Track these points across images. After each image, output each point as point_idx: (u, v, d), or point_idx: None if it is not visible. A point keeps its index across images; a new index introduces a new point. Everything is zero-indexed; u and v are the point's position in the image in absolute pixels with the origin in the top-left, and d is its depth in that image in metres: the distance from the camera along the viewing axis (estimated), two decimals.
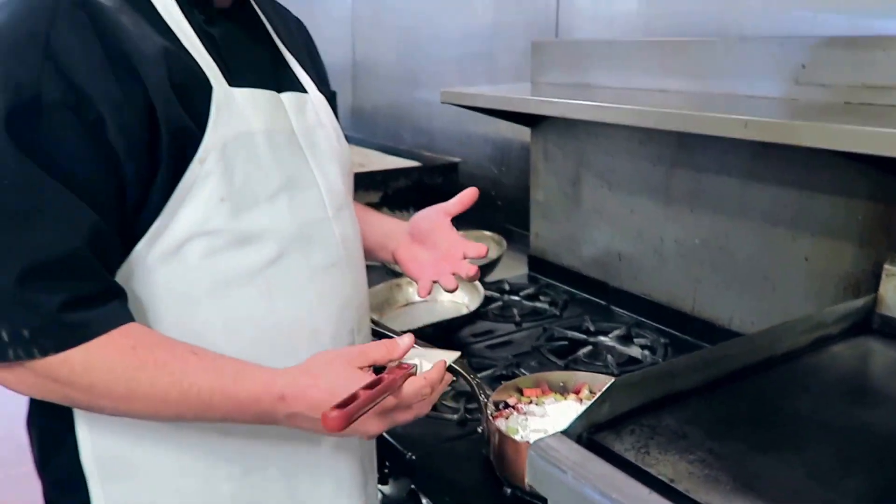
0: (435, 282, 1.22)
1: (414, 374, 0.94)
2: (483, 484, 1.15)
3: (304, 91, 1.06)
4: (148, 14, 0.88)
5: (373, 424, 0.91)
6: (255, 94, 0.94)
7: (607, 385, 0.95)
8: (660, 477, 0.86)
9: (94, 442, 0.95)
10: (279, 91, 1.00)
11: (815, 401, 1.09)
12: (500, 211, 2.32)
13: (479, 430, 1.24)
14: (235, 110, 0.90)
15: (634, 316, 1.71)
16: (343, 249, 1.04)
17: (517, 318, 1.73)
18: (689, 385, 1.07)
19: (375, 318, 1.65)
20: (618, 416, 0.99)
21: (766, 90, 1.33)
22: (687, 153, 1.52)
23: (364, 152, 2.66)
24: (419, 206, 2.22)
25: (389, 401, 0.90)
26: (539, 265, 1.99)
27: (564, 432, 0.94)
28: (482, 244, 1.22)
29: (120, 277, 0.88)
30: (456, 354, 1.08)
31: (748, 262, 1.46)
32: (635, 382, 0.99)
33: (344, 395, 0.83)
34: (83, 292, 0.82)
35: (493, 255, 2.01)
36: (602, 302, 1.81)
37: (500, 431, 1.11)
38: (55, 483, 1.03)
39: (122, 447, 0.95)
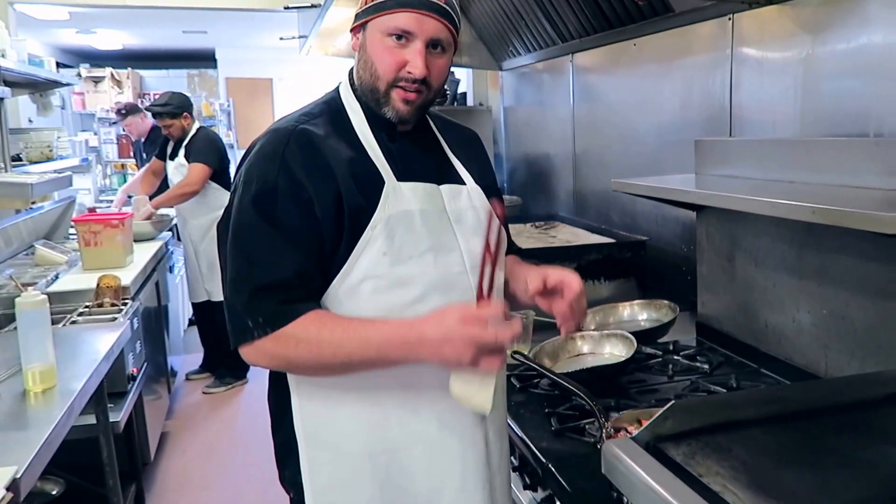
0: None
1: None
2: (600, 491, 1.40)
3: (463, 183, 1.48)
4: (348, 137, 1.38)
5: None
6: (416, 186, 1.38)
7: (669, 404, 1.26)
8: (690, 471, 1.15)
9: (303, 416, 1.40)
10: (440, 183, 1.43)
11: (864, 444, 1.25)
12: (689, 283, 2.58)
13: (599, 447, 1.57)
14: (399, 196, 1.35)
15: (779, 378, 1.91)
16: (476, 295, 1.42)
17: (670, 373, 2.01)
18: (752, 416, 1.31)
19: (549, 364, 2.04)
20: (682, 432, 1.26)
21: (869, 182, 1.54)
22: (813, 235, 1.75)
23: (574, 231, 3.06)
24: (609, 277, 2.60)
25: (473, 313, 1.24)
26: (705, 331, 2.24)
27: (633, 438, 1.26)
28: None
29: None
30: None
31: (866, 332, 1.65)
32: (694, 406, 1.26)
33: (449, 316, 1.24)
34: (291, 298, 1.30)
35: (665, 319, 2.30)
36: (753, 365, 2.02)
37: None
38: (281, 445, 1.45)
39: (319, 422, 1.39)
